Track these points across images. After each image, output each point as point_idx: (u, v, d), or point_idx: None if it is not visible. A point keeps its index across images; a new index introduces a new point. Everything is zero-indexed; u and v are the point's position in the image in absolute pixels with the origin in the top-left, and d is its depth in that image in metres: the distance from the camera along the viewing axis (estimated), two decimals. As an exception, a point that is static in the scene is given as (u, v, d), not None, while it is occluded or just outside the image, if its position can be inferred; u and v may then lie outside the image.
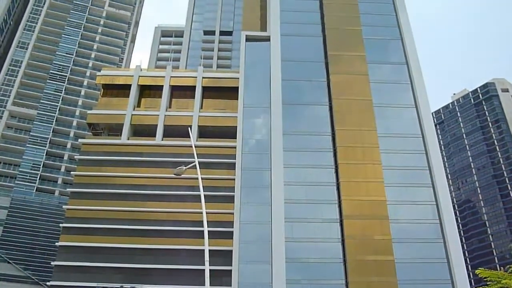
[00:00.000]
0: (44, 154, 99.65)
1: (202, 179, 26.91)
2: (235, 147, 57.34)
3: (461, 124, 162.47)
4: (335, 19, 64.76)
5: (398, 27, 66.27)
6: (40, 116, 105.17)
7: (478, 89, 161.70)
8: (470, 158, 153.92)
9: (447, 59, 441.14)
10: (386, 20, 67.00)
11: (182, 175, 27.82)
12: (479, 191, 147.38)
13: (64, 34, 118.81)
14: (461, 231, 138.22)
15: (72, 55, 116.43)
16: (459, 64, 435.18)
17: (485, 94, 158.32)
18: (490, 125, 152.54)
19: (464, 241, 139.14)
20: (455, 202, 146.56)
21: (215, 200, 54.37)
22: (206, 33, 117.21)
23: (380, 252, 49.03)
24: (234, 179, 55.22)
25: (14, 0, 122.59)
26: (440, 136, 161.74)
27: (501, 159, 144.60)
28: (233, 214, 52.94)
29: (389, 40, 65.61)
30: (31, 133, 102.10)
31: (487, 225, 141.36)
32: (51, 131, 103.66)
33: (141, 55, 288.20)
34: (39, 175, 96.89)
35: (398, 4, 67.14)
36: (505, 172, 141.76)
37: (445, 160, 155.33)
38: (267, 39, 63.69)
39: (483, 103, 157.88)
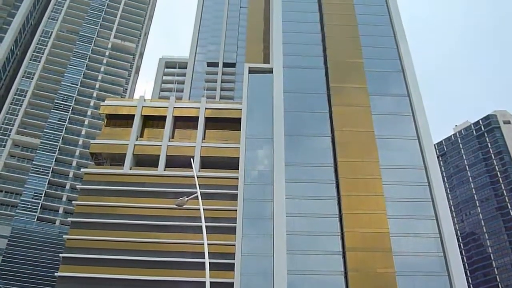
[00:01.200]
0: (46, 183, 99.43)
1: (204, 209, 26.81)
2: (237, 178, 57.23)
3: (464, 156, 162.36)
4: (337, 52, 65.59)
5: (399, 59, 67.02)
6: (43, 145, 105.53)
7: (480, 121, 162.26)
8: (473, 190, 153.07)
9: (446, 89, 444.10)
10: (387, 53, 67.78)
11: (184, 206, 27.72)
12: (483, 223, 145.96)
13: (70, 65, 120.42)
14: (466, 264, 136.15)
15: (77, 85, 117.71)
16: (459, 94, 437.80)
17: (487, 126, 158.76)
18: (493, 157, 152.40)
19: (468, 274, 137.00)
20: (459, 234, 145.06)
21: (216, 231, 54.02)
22: (209, 64, 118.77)
23: (383, 286, 48.24)
24: (236, 210, 54.89)
25: (22, 31, 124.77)
26: (442, 168, 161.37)
27: (504, 191, 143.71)
28: (234, 245, 52.43)
29: (390, 73, 66.20)
30: (33, 162, 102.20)
31: (492, 258, 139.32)
32: (54, 160, 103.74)
33: (145, 86, 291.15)
34: (40, 204, 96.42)
35: (399, 38, 68.08)
36: (509, 204, 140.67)
37: (448, 192, 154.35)
38: (270, 71, 64.42)
39: (485, 135, 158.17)
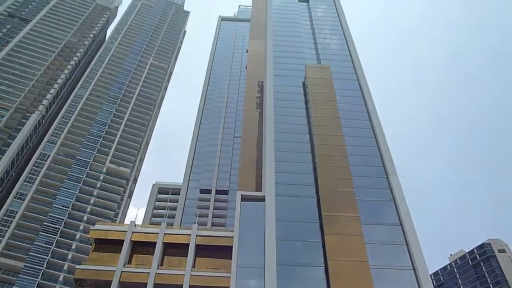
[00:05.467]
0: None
1: None
2: (228, 310, 54.54)
3: (461, 286, 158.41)
4: (328, 181, 66.71)
5: (390, 189, 68.00)
6: (26, 268, 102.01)
7: (475, 249, 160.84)
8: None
9: (437, 216, 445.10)
10: (378, 182, 69.00)
11: None
12: None
13: (63, 188, 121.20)
14: None
15: (68, 208, 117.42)
16: (447, 221, 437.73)
17: (482, 255, 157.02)
18: (491, 287, 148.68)
19: None
20: None
21: None
22: (202, 191, 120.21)
23: None
24: None
25: (20, 153, 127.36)
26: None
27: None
28: None
29: (382, 202, 66.76)
30: (14, 287, 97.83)
31: None
32: (36, 285, 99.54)
33: (136, 211, 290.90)
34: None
35: (389, 170, 69.83)
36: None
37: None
38: (262, 199, 64.78)
39: (481, 264, 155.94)
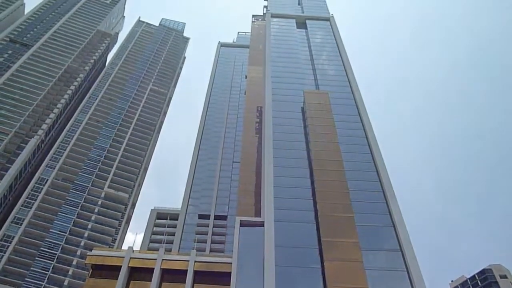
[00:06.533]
0: None
1: None
2: (225, 339, 53.67)
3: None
4: (327, 206, 66.50)
5: (389, 214, 67.72)
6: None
7: (476, 275, 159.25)
8: None
9: (437, 241, 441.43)
10: (377, 208, 68.78)
11: None
12: None
13: (60, 212, 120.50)
14: None
15: (65, 233, 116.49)
16: (451, 246, 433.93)
17: (483, 280, 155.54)
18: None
19: None
20: None
21: None
22: (200, 216, 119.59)
23: None
24: None
25: (18, 177, 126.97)
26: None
27: None
28: None
29: (381, 227, 66.40)
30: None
31: None
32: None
33: (134, 236, 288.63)
34: None
35: (389, 195, 69.72)
36: None
37: None
38: (261, 224, 64.43)
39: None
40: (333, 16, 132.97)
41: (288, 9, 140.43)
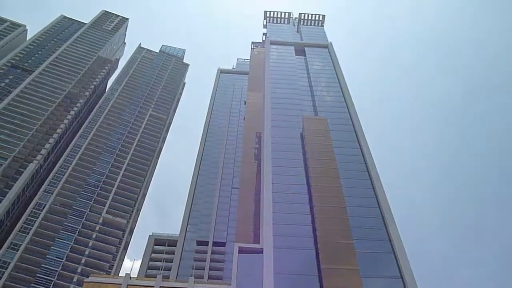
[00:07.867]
0: None
1: None
2: None
3: None
4: (327, 232, 66.20)
5: (389, 241, 67.32)
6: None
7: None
8: None
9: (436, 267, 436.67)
10: (377, 234, 68.43)
11: None
12: None
13: (58, 238, 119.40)
14: None
15: (62, 259, 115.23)
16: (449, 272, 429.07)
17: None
18: None
19: None
20: None
21: None
22: (199, 243, 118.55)
23: None
24: None
25: (16, 202, 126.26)
26: None
27: None
28: None
29: (381, 254, 65.93)
30: None
31: None
32: None
33: (132, 262, 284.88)
34: None
35: (388, 220, 69.49)
36: None
37: None
38: (260, 251, 63.98)
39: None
40: (331, 43, 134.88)
41: (287, 37, 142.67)
